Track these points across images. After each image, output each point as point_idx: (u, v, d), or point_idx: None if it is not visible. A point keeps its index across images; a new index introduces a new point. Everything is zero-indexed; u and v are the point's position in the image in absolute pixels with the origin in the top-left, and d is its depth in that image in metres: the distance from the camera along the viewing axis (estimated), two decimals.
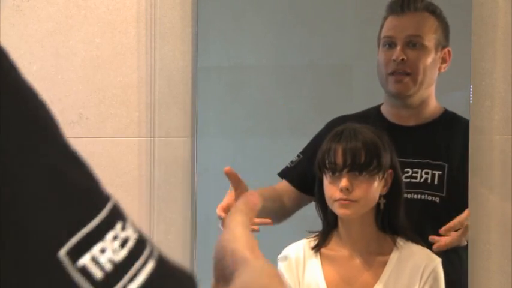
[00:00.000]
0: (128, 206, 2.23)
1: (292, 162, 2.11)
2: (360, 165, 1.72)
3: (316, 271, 1.78)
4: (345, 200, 1.71)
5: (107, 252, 0.49)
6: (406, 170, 1.95)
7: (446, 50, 2.07)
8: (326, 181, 1.75)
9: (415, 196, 1.98)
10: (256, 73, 2.30)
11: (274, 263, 1.87)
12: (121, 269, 0.49)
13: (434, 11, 2.06)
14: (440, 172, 2.00)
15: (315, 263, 1.79)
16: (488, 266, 2.17)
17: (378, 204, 1.78)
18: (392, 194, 1.80)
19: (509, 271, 2.17)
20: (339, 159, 1.73)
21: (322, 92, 2.21)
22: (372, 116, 2.05)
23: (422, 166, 1.98)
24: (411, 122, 2.02)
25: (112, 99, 2.25)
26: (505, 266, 2.17)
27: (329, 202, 1.75)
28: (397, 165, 1.80)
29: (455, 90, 2.22)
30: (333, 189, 1.73)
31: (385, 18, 2.08)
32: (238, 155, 2.26)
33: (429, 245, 1.87)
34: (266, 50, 2.27)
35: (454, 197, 1.98)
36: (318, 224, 1.95)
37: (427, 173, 2.00)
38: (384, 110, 2.08)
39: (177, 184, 2.24)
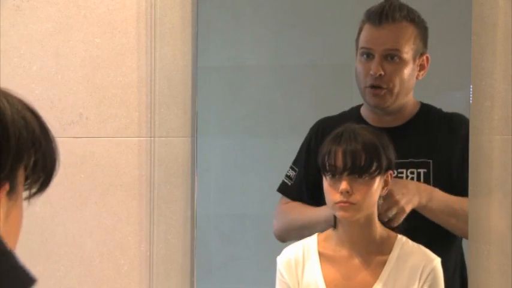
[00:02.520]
0: (128, 206, 2.24)
1: (289, 177, 2.10)
2: (360, 168, 1.72)
3: (315, 271, 1.78)
4: (345, 202, 1.71)
5: None
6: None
7: (424, 56, 2.05)
8: (326, 183, 1.75)
9: None
10: (256, 73, 2.30)
11: (275, 263, 1.87)
12: None
13: (413, 20, 2.03)
14: (425, 170, 1.99)
15: (314, 263, 1.79)
16: (488, 266, 2.17)
17: (377, 204, 1.78)
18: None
19: (509, 271, 2.17)
20: (339, 162, 1.73)
21: (322, 92, 2.21)
22: (352, 117, 2.05)
23: (406, 166, 1.98)
24: (391, 124, 2.02)
25: (112, 99, 2.25)
26: (505, 266, 2.17)
27: (329, 204, 1.75)
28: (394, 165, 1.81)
29: (455, 90, 2.22)
30: (333, 192, 1.73)
31: (363, 22, 2.05)
32: (238, 155, 2.26)
33: (427, 245, 1.87)
34: (266, 50, 2.27)
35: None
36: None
37: (412, 173, 2.00)
38: (364, 112, 2.08)
39: (177, 184, 2.24)
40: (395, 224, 1.86)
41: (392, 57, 2.00)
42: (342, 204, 1.71)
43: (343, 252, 1.79)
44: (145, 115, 2.25)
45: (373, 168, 1.73)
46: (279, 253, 1.89)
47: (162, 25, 2.24)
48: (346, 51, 2.20)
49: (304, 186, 2.05)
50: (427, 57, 2.06)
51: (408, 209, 1.91)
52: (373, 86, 1.99)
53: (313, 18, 2.23)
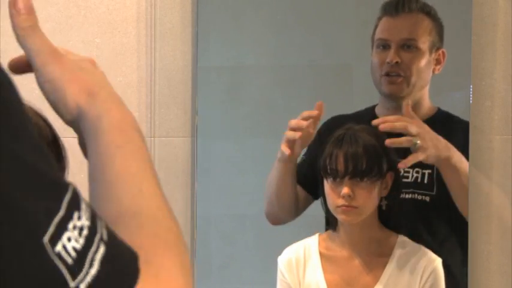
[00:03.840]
0: None
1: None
2: (362, 171, 1.72)
3: (316, 271, 1.78)
4: (346, 206, 1.71)
5: (72, 241, 0.56)
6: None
7: (440, 51, 2.06)
8: (327, 186, 1.75)
9: (406, 196, 1.98)
10: (256, 73, 2.30)
11: (275, 263, 1.87)
12: (82, 255, 0.56)
13: (429, 12, 2.04)
14: (429, 171, 1.99)
15: (315, 263, 1.79)
16: (488, 266, 2.17)
17: (379, 205, 1.78)
18: (392, 195, 1.80)
19: (509, 271, 2.17)
20: (341, 166, 1.73)
21: (322, 92, 2.21)
22: (366, 117, 2.05)
23: (412, 165, 1.97)
24: None
25: None
26: (505, 266, 2.17)
27: (331, 207, 1.75)
28: (396, 166, 1.80)
29: (455, 90, 2.22)
30: (334, 195, 1.73)
31: (379, 19, 2.07)
32: (238, 155, 2.26)
33: (428, 246, 1.87)
34: (266, 50, 2.27)
35: (444, 195, 1.97)
36: (317, 225, 1.95)
37: (417, 172, 2.00)
38: (378, 111, 2.08)
39: (177, 184, 2.24)
40: (408, 163, 1.80)
41: (408, 46, 2.01)
42: (344, 208, 1.71)
43: (344, 252, 1.79)
44: (145, 115, 2.25)
45: (375, 171, 1.73)
46: (279, 253, 1.89)
47: (162, 25, 2.24)
48: (346, 51, 2.20)
49: (308, 174, 2.04)
50: (443, 52, 2.07)
51: (429, 156, 1.85)
52: (388, 74, 2.00)
53: (313, 18, 2.23)
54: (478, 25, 2.17)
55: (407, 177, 1.98)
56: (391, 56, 2.00)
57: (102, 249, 0.58)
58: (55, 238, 0.55)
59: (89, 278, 0.56)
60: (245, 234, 2.27)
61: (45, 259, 0.54)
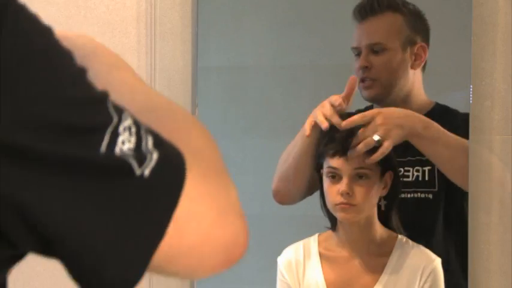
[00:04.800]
0: None
1: None
2: (360, 169, 1.72)
3: (316, 272, 1.78)
4: (345, 204, 1.71)
5: (125, 143, 0.62)
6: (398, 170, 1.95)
7: (418, 45, 2.03)
8: (326, 185, 1.75)
9: (408, 195, 1.97)
10: (256, 73, 2.30)
11: (275, 263, 1.87)
12: (138, 148, 0.63)
13: (397, 9, 2.00)
14: (429, 167, 1.98)
15: (314, 263, 1.79)
16: (488, 266, 2.17)
17: (378, 205, 1.78)
18: (391, 195, 1.80)
19: (509, 271, 2.17)
20: (339, 164, 1.73)
21: (322, 92, 2.21)
22: None
23: (412, 164, 1.97)
24: None
25: None
26: (505, 266, 2.17)
27: (329, 205, 1.75)
28: (396, 165, 1.80)
29: (455, 90, 2.22)
30: (333, 193, 1.73)
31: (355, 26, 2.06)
32: (238, 155, 2.26)
33: (428, 245, 1.87)
34: (266, 50, 2.27)
35: (447, 189, 1.96)
36: (317, 225, 1.94)
37: (417, 171, 1.99)
38: None
39: None
40: (377, 157, 1.77)
41: (376, 50, 2.00)
42: (343, 205, 1.71)
43: (344, 253, 1.79)
44: None
45: (373, 170, 1.73)
46: (279, 253, 1.89)
47: (162, 25, 2.24)
48: (346, 51, 2.19)
49: None
50: (422, 46, 2.03)
51: (395, 137, 1.82)
52: (363, 80, 1.99)
53: (313, 18, 2.23)
54: (478, 25, 2.17)
55: (407, 177, 1.98)
56: (360, 61, 1.99)
57: (150, 138, 0.64)
58: (113, 143, 0.61)
59: (152, 163, 0.62)
60: None
61: (110, 158, 0.61)
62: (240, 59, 2.29)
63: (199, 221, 0.65)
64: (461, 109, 2.18)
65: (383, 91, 2.01)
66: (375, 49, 1.99)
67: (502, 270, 2.17)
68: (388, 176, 1.78)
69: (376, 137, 1.76)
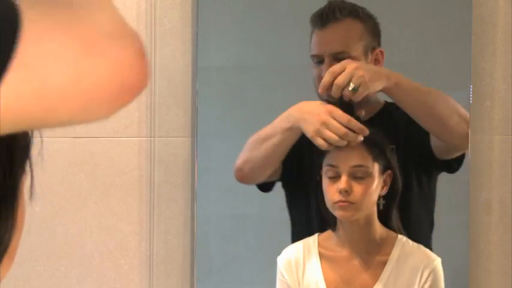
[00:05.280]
0: (128, 206, 2.24)
1: None
2: (360, 167, 1.72)
3: (315, 271, 1.78)
4: (344, 202, 1.71)
5: None
6: None
7: (377, 51, 2.00)
8: (325, 183, 1.75)
9: None
10: (256, 73, 2.30)
11: (274, 263, 1.87)
12: None
13: (357, 15, 1.97)
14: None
15: (314, 263, 1.79)
16: (488, 266, 2.17)
17: (377, 204, 1.78)
18: (391, 195, 1.80)
19: (509, 271, 2.17)
20: (339, 162, 1.73)
21: None
22: None
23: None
24: None
25: None
26: (505, 266, 2.17)
27: (328, 204, 1.75)
28: (395, 165, 1.80)
29: (455, 90, 2.22)
30: (332, 191, 1.73)
31: (312, 31, 2.02)
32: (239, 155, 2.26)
33: (427, 245, 1.87)
34: (266, 50, 2.27)
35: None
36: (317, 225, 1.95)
37: None
38: None
39: (177, 184, 2.24)
40: (356, 99, 1.74)
41: (340, 59, 1.92)
42: (341, 203, 1.71)
43: (344, 252, 1.79)
44: (145, 115, 2.25)
45: (373, 166, 1.73)
46: (279, 253, 1.89)
47: (162, 25, 2.24)
48: None
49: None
50: (380, 52, 2.00)
51: (374, 86, 1.78)
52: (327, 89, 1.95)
53: None
54: (478, 25, 2.17)
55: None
56: (324, 70, 1.92)
57: None
58: None
59: None
60: (245, 234, 2.27)
61: None
62: (240, 59, 2.30)
63: (58, 58, 0.57)
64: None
65: None
66: (338, 57, 1.93)
67: (502, 270, 2.17)
68: (388, 176, 1.78)
69: (350, 86, 1.74)
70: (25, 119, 0.58)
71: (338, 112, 1.76)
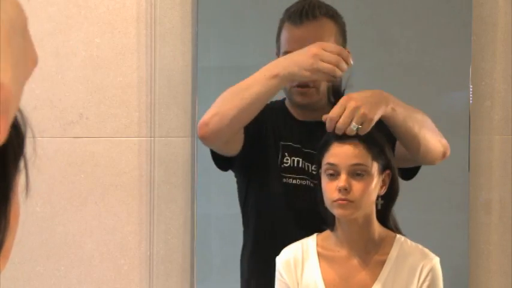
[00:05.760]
0: (128, 206, 2.24)
1: None
2: (359, 165, 1.72)
3: (314, 271, 1.78)
4: (343, 200, 1.71)
5: None
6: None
7: (345, 51, 2.00)
8: (324, 181, 1.75)
9: (294, 181, 1.95)
10: None
11: (273, 263, 1.87)
12: None
13: (332, 16, 1.96)
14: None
15: (313, 263, 1.79)
16: (488, 266, 2.17)
17: (376, 204, 1.78)
18: (389, 195, 1.80)
19: (509, 271, 2.17)
20: (338, 160, 1.73)
21: None
22: (278, 110, 2.01)
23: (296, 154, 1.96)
24: (317, 119, 1.92)
25: (112, 99, 2.25)
26: (505, 266, 2.17)
27: (327, 203, 1.75)
28: (394, 165, 1.80)
29: (455, 90, 2.22)
30: (331, 189, 1.73)
31: (282, 22, 1.98)
32: None
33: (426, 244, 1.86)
34: (266, 50, 2.27)
35: None
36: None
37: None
38: (289, 106, 2.02)
39: (177, 184, 2.24)
40: (361, 133, 1.72)
41: None
42: (340, 201, 1.71)
43: (342, 252, 1.79)
44: (145, 115, 2.25)
45: (372, 165, 1.73)
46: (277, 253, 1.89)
47: (162, 25, 2.24)
48: None
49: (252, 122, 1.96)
50: (349, 53, 2.01)
51: (376, 117, 1.75)
52: (299, 85, 1.94)
53: None
54: (478, 25, 2.17)
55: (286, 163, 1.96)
56: None
57: None
58: None
59: None
60: None
61: None
62: (240, 59, 2.30)
63: None
64: (462, 109, 2.17)
65: (317, 97, 1.94)
66: None
67: (502, 270, 2.17)
68: (387, 175, 1.78)
69: (354, 126, 1.75)
70: None
71: (327, 44, 1.79)
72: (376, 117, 1.76)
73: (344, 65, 1.78)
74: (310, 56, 1.77)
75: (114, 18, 2.25)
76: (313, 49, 1.78)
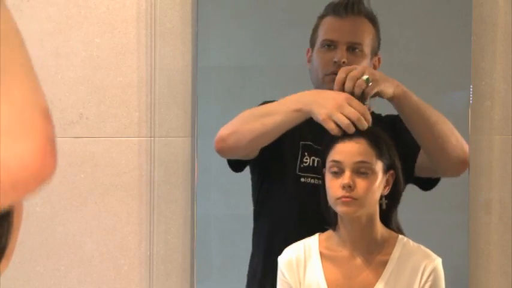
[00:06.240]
0: (128, 206, 2.24)
1: None
2: (364, 163, 1.72)
3: (317, 271, 1.78)
4: (347, 197, 1.71)
5: None
6: None
7: (377, 57, 2.05)
8: (328, 179, 1.75)
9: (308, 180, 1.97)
10: (256, 73, 2.30)
11: (275, 263, 1.87)
12: None
13: (373, 19, 2.04)
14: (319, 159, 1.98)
15: (315, 263, 1.79)
16: (488, 266, 2.17)
17: (379, 204, 1.78)
18: (393, 195, 1.80)
19: (509, 271, 2.17)
20: (342, 157, 1.73)
21: None
22: None
23: (309, 153, 1.98)
24: None
25: (112, 99, 2.25)
26: (505, 266, 2.17)
27: (331, 200, 1.75)
28: (398, 166, 1.80)
29: (455, 90, 2.22)
30: (335, 187, 1.73)
31: (321, 18, 2.05)
32: None
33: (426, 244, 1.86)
34: (266, 50, 2.27)
35: None
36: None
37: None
38: None
39: (177, 184, 2.24)
40: (369, 91, 1.78)
41: (354, 48, 1.99)
42: (344, 199, 1.71)
43: (345, 252, 1.79)
44: (145, 115, 2.25)
45: (377, 164, 1.73)
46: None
47: (162, 25, 2.24)
48: None
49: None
50: (379, 59, 2.06)
51: (384, 86, 1.81)
52: (335, 73, 1.96)
53: (313, 18, 2.23)
54: (478, 25, 2.17)
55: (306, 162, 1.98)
56: (339, 55, 1.97)
57: None
58: None
59: None
60: (245, 234, 2.27)
61: None
62: (240, 59, 2.30)
63: None
64: (462, 109, 2.17)
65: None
66: (353, 47, 1.99)
67: (502, 270, 2.17)
68: (390, 175, 1.78)
69: (364, 76, 1.78)
70: None
71: (355, 100, 1.77)
72: (385, 86, 1.79)
73: (364, 124, 1.75)
74: (333, 104, 1.77)
75: (114, 18, 2.25)
76: (339, 98, 1.78)
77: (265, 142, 1.90)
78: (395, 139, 1.82)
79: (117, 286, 2.25)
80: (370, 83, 1.79)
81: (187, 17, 2.24)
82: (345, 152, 1.74)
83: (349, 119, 1.74)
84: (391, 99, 1.85)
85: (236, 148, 1.92)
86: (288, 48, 2.25)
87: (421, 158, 1.94)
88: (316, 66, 2.03)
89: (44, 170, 0.60)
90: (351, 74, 1.79)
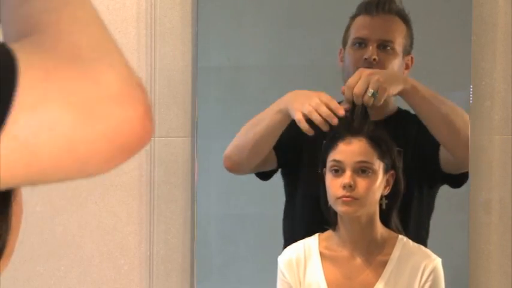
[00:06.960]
0: (128, 206, 2.24)
1: None
2: (364, 163, 1.72)
3: (317, 271, 1.78)
4: (348, 197, 1.71)
5: None
6: None
7: (410, 56, 2.06)
8: (329, 179, 1.75)
9: None
10: (256, 73, 2.30)
11: (275, 263, 1.87)
12: None
13: (404, 18, 2.05)
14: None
15: (315, 263, 1.79)
16: (488, 266, 2.17)
17: (380, 204, 1.78)
18: (393, 195, 1.80)
19: (509, 271, 2.17)
20: (343, 157, 1.73)
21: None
22: None
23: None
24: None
25: None
26: (505, 266, 2.17)
27: (331, 200, 1.75)
28: (399, 166, 1.80)
29: (455, 90, 2.22)
30: (336, 186, 1.73)
31: (353, 18, 2.06)
32: None
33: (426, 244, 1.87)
34: (266, 50, 2.27)
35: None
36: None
37: None
38: None
39: (177, 184, 2.24)
40: (377, 103, 1.79)
41: (385, 46, 2.01)
42: (345, 198, 1.71)
43: (345, 252, 1.79)
44: None
45: (377, 164, 1.73)
46: (279, 253, 1.89)
47: (162, 25, 2.24)
48: None
49: (283, 138, 2.01)
50: (411, 58, 2.06)
51: (392, 88, 1.83)
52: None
53: (313, 18, 2.23)
54: (478, 25, 2.17)
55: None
56: (369, 52, 1.99)
57: None
58: None
59: None
60: (245, 234, 2.27)
61: None
62: (240, 59, 2.30)
63: (52, 129, 0.57)
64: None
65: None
66: (384, 45, 2.01)
67: (502, 270, 2.17)
68: (391, 176, 1.78)
69: (370, 92, 1.78)
70: (13, 183, 0.59)
71: (329, 98, 1.81)
72: (392, 90, 1.81)
73: (335, 122, 1.79)
74: (307, 104, 1.82)
75: (114, 18, 2.25)
76: (313, 97, 1.82)
77: (264, 150, 1.94)
78: (419, 135, 1.84)
79: (117, 286, 2.25)
80: (377, 94, 1.79)
81: (187, 17, 2.24)
82: (346, 151, 1.74)
83: (323, 117, 1.76)
84: (400, 94, 1.87)
85: (241, 163, 1.98)
86: (288, 48, 2.25)
87: (443, 153, 1.95)
88: (347, 65, 2.04)
89: (145, 135, 0.63)
90: (355, 91, 1.79)
